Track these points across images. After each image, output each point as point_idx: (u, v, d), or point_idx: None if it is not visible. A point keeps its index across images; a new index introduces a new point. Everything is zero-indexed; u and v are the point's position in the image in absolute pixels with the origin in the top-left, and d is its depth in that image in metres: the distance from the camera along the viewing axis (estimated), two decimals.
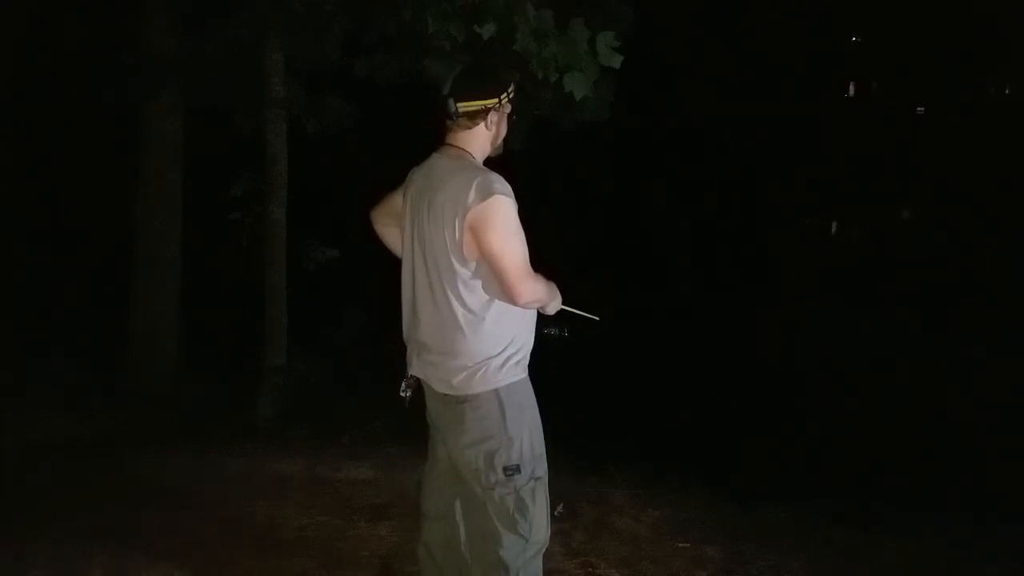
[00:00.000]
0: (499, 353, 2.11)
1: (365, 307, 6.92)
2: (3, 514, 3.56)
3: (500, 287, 2.07)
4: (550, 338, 2.28)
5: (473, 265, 2.09)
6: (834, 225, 33.21)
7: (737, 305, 15.53)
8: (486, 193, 2.04)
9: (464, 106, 2.15)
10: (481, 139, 2.22)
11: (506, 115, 2.24)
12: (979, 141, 27.31)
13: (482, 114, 2.17)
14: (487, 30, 4.39)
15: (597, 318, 2.45)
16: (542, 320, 2.28)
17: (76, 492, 4.00)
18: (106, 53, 7.13)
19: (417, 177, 2.24)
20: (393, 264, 2.37)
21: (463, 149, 2.19)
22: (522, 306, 2.10)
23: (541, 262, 2.15)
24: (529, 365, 2.23)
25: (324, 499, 4.03)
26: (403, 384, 2.29)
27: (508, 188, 2.08)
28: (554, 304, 2.25)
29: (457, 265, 2.09)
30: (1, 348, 6.91)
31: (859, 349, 11.68)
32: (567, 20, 4.54)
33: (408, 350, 2.28)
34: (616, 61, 4.57)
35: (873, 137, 29.77)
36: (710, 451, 6.30)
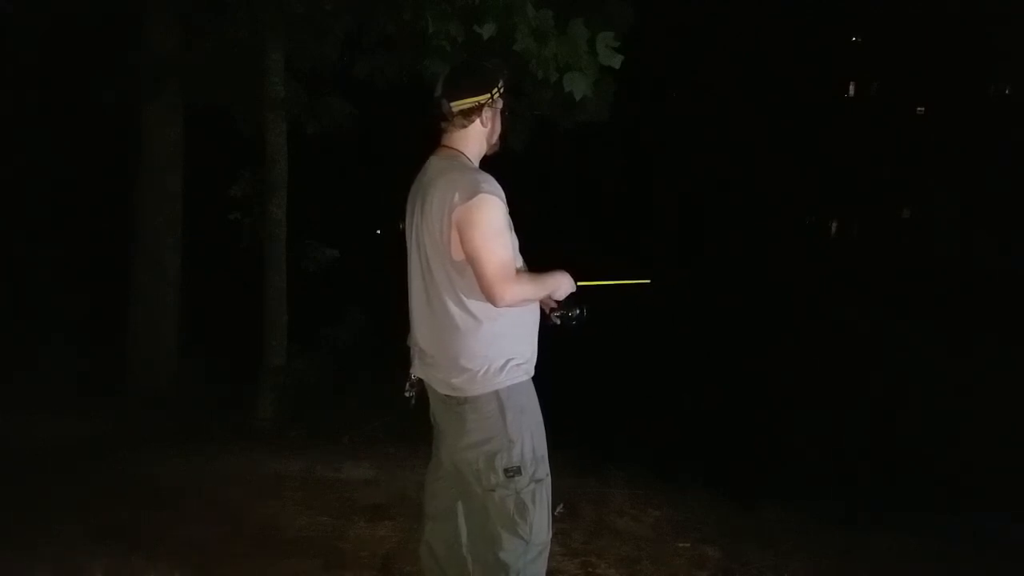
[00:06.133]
0: (500, 355, 2.11)
1: (365, 307, 6.92)
2: (4, 514, 3.56)
3: (480, 287, 2.05)
4: (566, 320, 2.25)
5: (464, 266, 2.07)
6: (834, 225, 33.26)
7: (737, 304, 15.53)
8: (472, 192, 2.03)
9: (457, 104, 2.15)
10: (477, 138, 2.22)
11: (499, 111, 2.24)
12: (979, 141, 27.33)
13: (476, 111, 2.17)
14: (487, 30, 4.39)
15: (648, 281, 2.46)
16: (557, 305, 2.25)
17: (76, 492, 3.99)
18: (106, 53, 7.14)
19: (416, 181, 2.24)
20: (392, 264, 2.37)
21: (457, 150, 2.19)
22: (502, 307, 2.07)
23: (542, 255, 2.12)
24: (538, 363, 2.22)
25: (324, 499, 4.03)
26: (407, 385, 2.29)
27: (496, 188, 2.08)
28: (562, 290, 2.22)
29: (449, 266, 2.09)
30: (1, 348, 6.92)
31: (859, 348, 11.68)
32: (567, 20, 4.54)
33: (411, 352, 2.28)
34: (616, 61, 4.57)
35: (873, 137, 29.79)
36: (710, 451, 6.30)
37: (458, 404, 2.14)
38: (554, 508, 2.63)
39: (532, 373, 2.20)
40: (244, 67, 6.08)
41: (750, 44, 28.03)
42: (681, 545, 3.61)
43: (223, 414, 5.90)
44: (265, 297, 5.94)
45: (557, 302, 2.25)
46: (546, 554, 2.22)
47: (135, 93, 6.55)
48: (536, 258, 2.30)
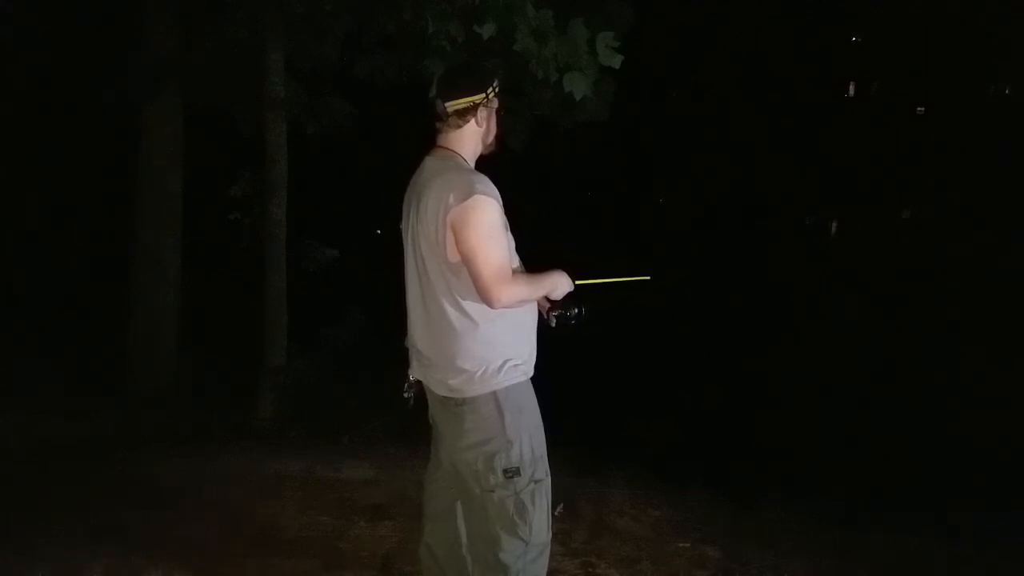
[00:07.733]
0: (497, 356, 2.10)
1: (365, 307, 6.92)
2: (4, 514, 3.56)
3: (476, 289, 2.05)
4: (564, 319, 2.24)
5: (460, 267, 2.06)
6: (834, 225, 33.27)
7: (737, 305, 15.52)
8: (467, 193, 2.03)
9: (452, 105, 2.15)
10: (472, 138, 2.21)
11: (495, 111, 2.23)
12: (979, 141, 27.34)
13: (471, 111, 2.16)
14: (487, 30, 4.39)
15: (647, 277, 2.44)
16: (554, 305, 2.24)
17: (76, 492, 4.00)
18: (106, 53, 7.14)
19: (411, 182, 2.24)
20: (392, 264, 2.37)
21: (452, 151, 2.19)
22: (498, 309, 2.06)
23: (542, 255, 2.11)
24: (538, 363, 2.21)
25: (324, 499, 4.03)
26: (405, 386, 2.29)
27: (492, 189, 2.07)
28: (559, 290, 2.21)
29: (444, 267, 2.08)
30: (1, 348, 6.92)
31: (859, 348, 11.68)
32: (567, 20, 4.54)
33: (410, 353, 2.28)
34: (616, 61, 4.57)
35: (873, 137, 29.81)
36: (710, 451, 6.29)
37: (456, 405, 2.13)
38: (554, 508, 2.63)
39: (531, 373, 2.20)
40: (244, 67, 6.09)
41: (750, 44, 28.05)
42: (681, 545, 3.61)
43: (223, 414, 5.91)
44: (265, 297, 5.94)
45: (554, 302, 2.24)
46: (546, 554, 2.21)
47: (135, 93, 6.56)
48: (535, 258, 2.29)
